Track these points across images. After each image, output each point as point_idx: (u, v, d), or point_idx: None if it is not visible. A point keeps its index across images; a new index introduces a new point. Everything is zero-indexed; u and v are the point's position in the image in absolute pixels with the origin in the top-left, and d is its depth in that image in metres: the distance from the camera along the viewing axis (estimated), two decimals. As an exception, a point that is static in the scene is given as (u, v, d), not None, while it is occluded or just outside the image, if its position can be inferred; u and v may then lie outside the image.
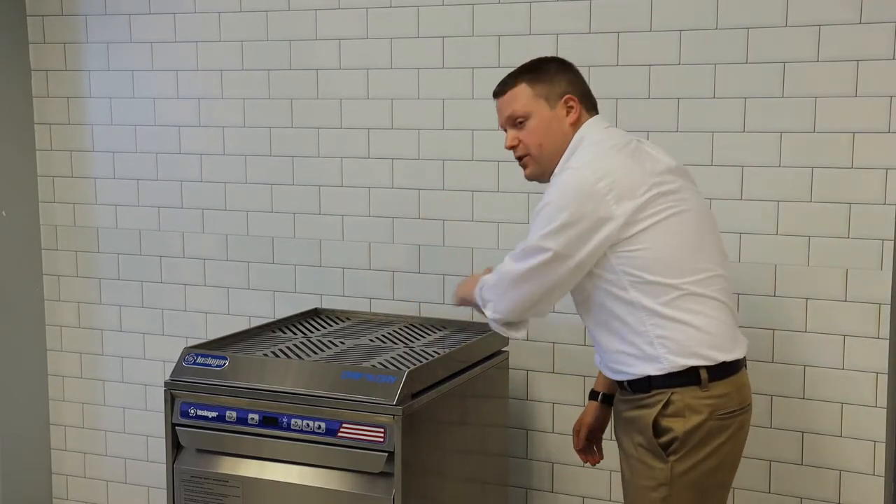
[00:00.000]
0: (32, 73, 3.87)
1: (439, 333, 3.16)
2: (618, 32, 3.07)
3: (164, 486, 2.85)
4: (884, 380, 2.91)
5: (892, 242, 2.86)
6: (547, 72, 2.49)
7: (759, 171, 2.97)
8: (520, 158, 2.54)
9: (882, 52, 2.82)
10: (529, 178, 2.57)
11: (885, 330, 2.89)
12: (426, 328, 3.23)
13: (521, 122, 2.49)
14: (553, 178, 2.45)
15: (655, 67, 3.04)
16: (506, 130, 2.54)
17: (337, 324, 3.30)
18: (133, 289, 3.81)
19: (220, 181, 3.64)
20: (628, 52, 3.07)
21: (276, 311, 3.57)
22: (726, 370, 2.38)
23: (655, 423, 2.35)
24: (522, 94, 2.48)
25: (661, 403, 2.35)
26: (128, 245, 3.80)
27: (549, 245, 2.33)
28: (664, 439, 2.35)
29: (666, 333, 2.34)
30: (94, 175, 3.83)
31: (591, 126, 2.48)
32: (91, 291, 3.88)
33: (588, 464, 2.86)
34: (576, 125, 2.47)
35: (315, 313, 3.43)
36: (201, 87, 3.62)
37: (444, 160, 3.33)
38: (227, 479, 2.74)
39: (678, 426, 2.34)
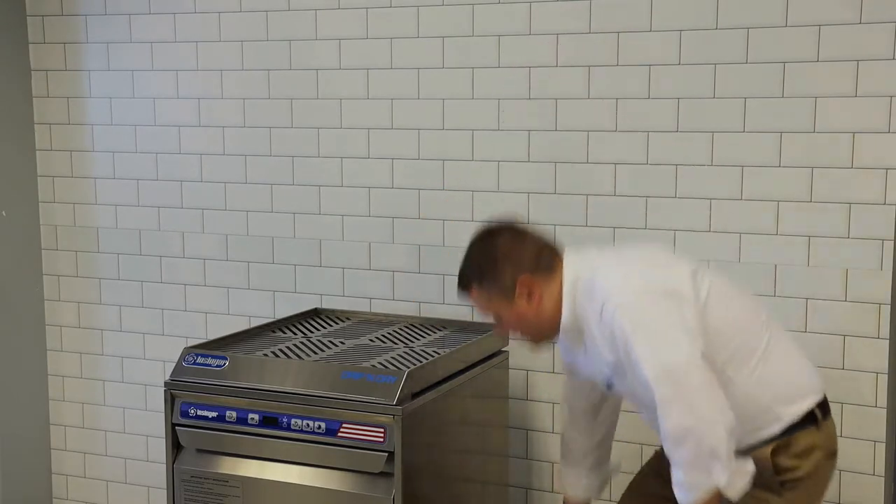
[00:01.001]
0: (32, 73, 3.87)
1: (439, 333, 3.16)
2: (618, 32, 3.07)
3: (164, 486, 2.85)
4: (884, 380, 2.91)
5: (892, 242, 2.86)
6: (490, 265, 2.39)
7: (759, 171, 2.97)
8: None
9: (882, 52, 2.82)
10: (536, 347, 2.53)
11: (885, 330, 2.89)
12: (426, 328, 3.23)
13: (496, 318, 2.46)
14: (600, 317, 2.28)
15: (655, 67, 3.04)
16: None
17: (337, 324, 3.30)
18: (133, 289, 3.81)
19: (220, 181, 3.64)
20: (628, 52, 3.07)
21: (276, 311, 3.57)
22: (828, 406, 2.40)
23: (777, 463, 2.31)
24: (480, 299, 2.43)
25: (776, 444, 2.31)
26: (128, 245, 3.80)
27: (680, 355, 2.18)
28: (785, 477, 2.32)
29: (776, 390, 2.31)
30: (94, 175, 3.83)
31: (570, 268, 2.38)
32: (91, 291, 3.88)
33: None
34: (547, 294, 2.36)
35: (315, 313, 3.43)
36: (201, 87, 3.62)
37: (444, 160, 3.33)
38: (227, 479, 2.74)
39: (804, 465, 2.32)
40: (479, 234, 2.49)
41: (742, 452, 2.29)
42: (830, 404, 2.95)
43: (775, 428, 2.31)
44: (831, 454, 2.40)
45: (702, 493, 2.18)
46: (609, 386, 2.40)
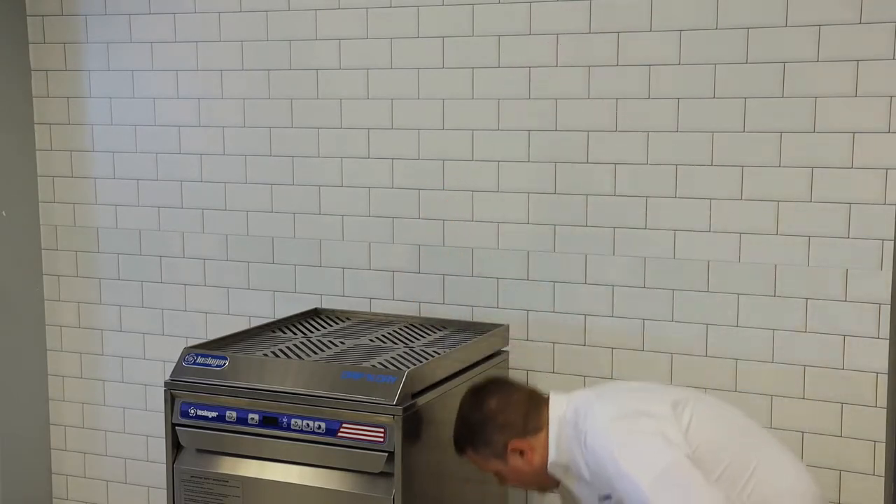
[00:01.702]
0: (32, 73, 3.87)
1: (439, 333, 3.16)
2: (618, 32, 3.07)
3: (164, 486, 2.85)
4: (884, 380, 2.91)
5: (892, 242, 2.86)
6: (481, 432, 2.49)
7: (759, 171, 2.97)
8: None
9: (882, 52, 2.82)
10: (544, 493, 2.63)
11: (885, 330, 2.89)
12: (426, 328, 3.23)
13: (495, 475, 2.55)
14: (584, 448, 2.35)
15: (655, 67, 3.04)
16: None
17: (337, 324, 3.30)
18: (133, 289, 3.81)
19: (220, 181, 3.64)
20: (628, 52, 3.07)
21: (276, 311, 3.57)
22: None
23: None
24: (476, 460, 2.54)
25: None
26: (128, 245, 3.80)
27: (666, 458, 2.21)
28: None
29: (772, 500, 2.30)
30: (94, 175, 3.83)
31: (555, 413, 2.46)
32: (91, 291, 3.88)
33: None
34: (534, 453, 2.45)
35: (315, 313, 3.43)
36: (201, 87, 3.62)
37: (444, 160, 3.33)
38: (227, 479, 2.74)
39: None
40: (467, 397, 2.58)
41: None
42: (831, 405, 2.96)
43: None
44: None
45: None
46: None
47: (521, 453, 2.46)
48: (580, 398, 2.47)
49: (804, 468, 2.45)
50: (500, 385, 2.59)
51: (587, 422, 2.37)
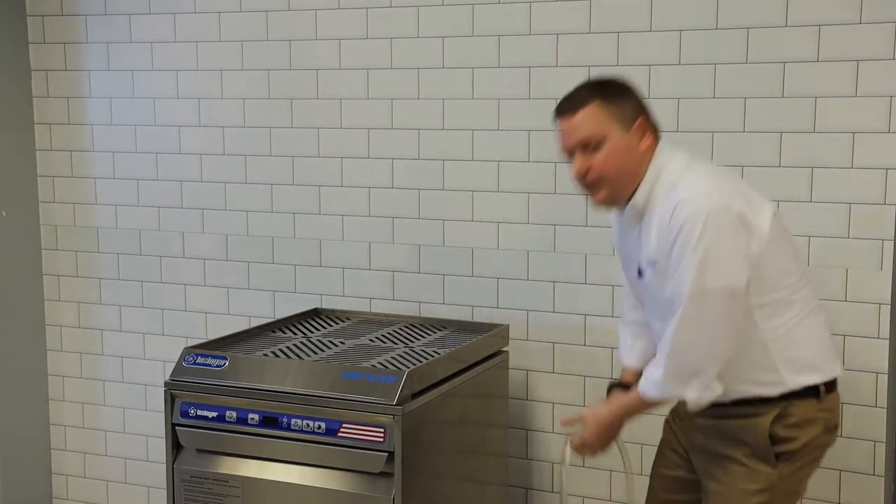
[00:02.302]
0: (32, 73, 3.87)
1: (439, 333, 3.16)
2: (618, 32, 3.07)
3: (164, 486, 2.85)
4: (884, 380, 2.91)
5: (892, 242, 2.86)
6: (618, 92, 2.33)
7: (760, 171, 2.97)
8: (590, 184, 2.34)
9: (882, 52, 2.82)
10: (601, 203, 2.37)
11: (885, 330, 2.89)
12: (426, 328, 3.23)
13: (594, 147, 2.30)
14: (670, 216, 2.23)
15: (655, 67, 3.04)
16: (570, 156, 2.34)
17: (337, 324, 3.30)
18: (133, 289, 3.81)
19: (220, 181, 3.64)
20: (628, 52, 3.07)
21: (276, 311, 3.57)
22: (835, 383, 2.40)
23: (772, 433, 2.31)
24: (595, 116, 2.28)
25: (776, 414, 2.31)
26: (128, 245, 3.80)
27: (724, 284, 2.18)
28: (781, 448, 2.32)
29: (790, 354, 2.31)
30: (94, 175, 3.83)
31: (665, 153, 2.34)
32: (91, 291, 3.88)
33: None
34: (649, 151, 2.32)
35: (315, 313, 3.43)
36: (201, 87, 3.62)
37: (444, 160, 3.33)
38: (227, 479, 2.74)
39: (801, 437, 2.32)
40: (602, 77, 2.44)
41: (734, 403, 2.32)
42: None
43: (774, 390, 2.31)
44: (831, 428, 2.40)
45: (666, 396, 2.32)
46: (640, 273, 2.36)
47: (643, 135, 2.30)
48: (686, 166, 2.31)
49: (832, 342, 2.44)
50: None
51: (686, 196, 2.21)
